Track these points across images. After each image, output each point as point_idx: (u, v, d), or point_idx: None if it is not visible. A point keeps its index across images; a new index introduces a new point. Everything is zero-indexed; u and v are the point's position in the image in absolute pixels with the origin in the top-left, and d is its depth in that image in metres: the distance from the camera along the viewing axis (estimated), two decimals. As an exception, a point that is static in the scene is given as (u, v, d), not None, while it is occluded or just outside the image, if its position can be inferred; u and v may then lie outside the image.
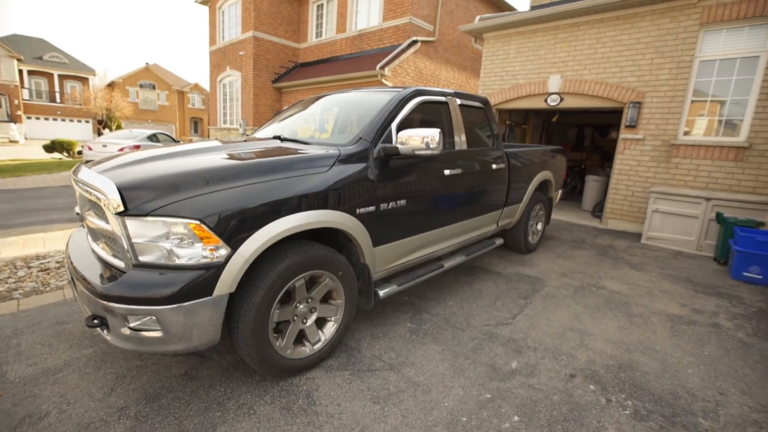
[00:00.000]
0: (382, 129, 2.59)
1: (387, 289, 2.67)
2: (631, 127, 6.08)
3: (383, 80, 10.88)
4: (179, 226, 1.70)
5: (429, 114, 3.09)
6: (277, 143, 2.73)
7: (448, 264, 3.25)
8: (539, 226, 4.83)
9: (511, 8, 14.48)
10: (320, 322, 2.36)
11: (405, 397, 2.11)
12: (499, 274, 4.00)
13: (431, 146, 2.42)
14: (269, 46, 14.58)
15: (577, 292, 3.63)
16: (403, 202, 2.62)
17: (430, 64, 12.57)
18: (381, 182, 2.47)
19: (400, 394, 2.13)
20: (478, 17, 8.28)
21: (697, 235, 5.10)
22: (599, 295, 3.57)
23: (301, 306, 2.19)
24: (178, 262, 1.71)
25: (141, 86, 37.95)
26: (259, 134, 3.43)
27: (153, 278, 1.68)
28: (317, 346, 2.30)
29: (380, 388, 2.17)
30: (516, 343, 2.71)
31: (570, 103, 6.86)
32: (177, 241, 1.71)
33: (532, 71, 7.30)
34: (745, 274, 4.05)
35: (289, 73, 15.15)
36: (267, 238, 1.86)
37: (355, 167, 2.36)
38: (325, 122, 3.52)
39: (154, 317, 1.67)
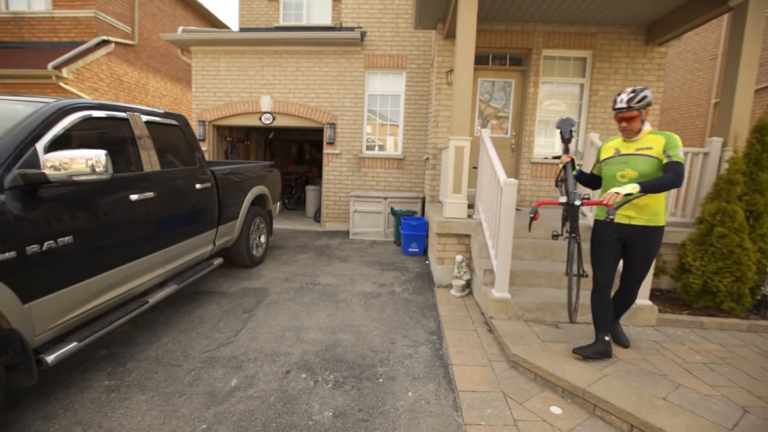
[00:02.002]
0: (18, 151, 2.02)
1: (60, 351, 2.12)
2: (331, 143, 7.32)
3: (62, 84, 8.54)
4: None
5: (103, 132, 2.65)
6: None
7: (155, 298, 2.91)
8: (262, 239, 5.05)
9: (223, 24, 14.39)
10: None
11: (92, 474, 1.74)
12: (224, 293, 3.93)
13: (98, 170, 2.09)
14: None
15: (297, 293, 4.03)
16: (68, 239, 2.14)
17: (134, 72, 10.84)
18: (25, 219, 1.93)
19: (84, 474, 1.74)
20: (181, 28, 7.82)
21: (383, 226, 6.72)
22: (315, 291, 4.10)
23: None
24: None
25: None
26: None
27: None
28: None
29: (53, 481, 1.70)
30: (237, 359, 2.73)
31: (282, 122, 7.52)
32: None
33: (244, 90, 7.53)
34: (410, 250, 5.65)
35: None
36: None
37: (-29, 203, 1.74)
38: None
39: None
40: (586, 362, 2.60)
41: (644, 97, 2.38)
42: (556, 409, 2.27)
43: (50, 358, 2.06)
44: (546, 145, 5.84)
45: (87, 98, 8.25)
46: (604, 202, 2.30)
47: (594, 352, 2.63)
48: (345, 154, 7.36)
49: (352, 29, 7.10)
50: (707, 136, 9.24)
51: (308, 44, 7.13)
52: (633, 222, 2.50)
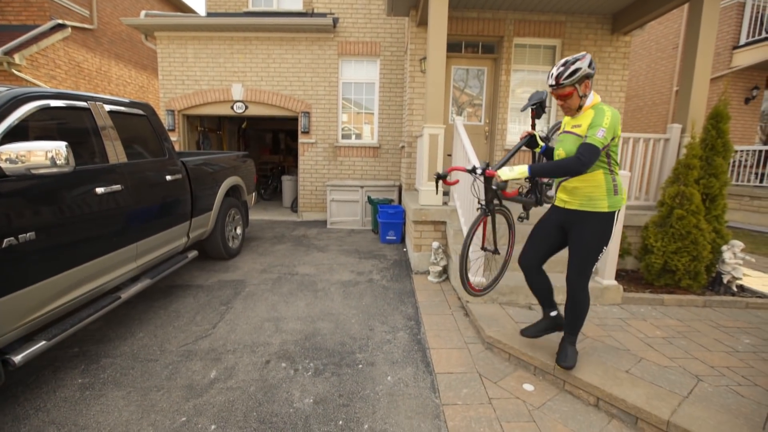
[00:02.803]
0: (-31, 143, 1.91)
1: (28, 351, 2.05)
2: (306, 132, 7.22)
3: (15, 71, 8.00)
4: None
5: (63, 123, 2.53)
6: None
7: (128, 293, 2.84)
8: (238, 230, 4.98)
9: (188, 8, 13.77)
10: None
11: (68, 473, 1.72)
12: (201, 286, 3.87)
13: (58, 162, 2.01)
14: None
15: (275, 284, 4.01)
16: (30, 235, 2.05)
17: (94, 58, 10.24)
18: (-19, 215, 1.83)
19: (60, 473, 1.71)
20: (143, 12, 7.44)
21: (360, 214, 6.74)
22: (293, 282, 4.09)
23: None
24: None
25: None
26: None
27: None
28: None
29: (26, 482, 1.67)
30: (216, 351, 2.72)
31: (254, 111, 7.34)
32: None
33: (214, 78, 7.28)
34: (387, 237, 5.70)
35: None
36: None
37: None
38: None
39: None
40: (556, 340, 2.72)
41: (576, 70, 2.02)
42: (528, 387, 2.38)
43: (17, 359, 1.99)
44: (519, 132, 5.96)
45: (44, 87, 7.79)
46: (495, 177, 2.17)
47: (540, 330, 2.53)
48: (320, 143, 7.29)
49: (324, 15, 6.96)
50: (669, 122, 9.64)
51: (279, 30, 6.95)
52: (567, 206, 2.28)
